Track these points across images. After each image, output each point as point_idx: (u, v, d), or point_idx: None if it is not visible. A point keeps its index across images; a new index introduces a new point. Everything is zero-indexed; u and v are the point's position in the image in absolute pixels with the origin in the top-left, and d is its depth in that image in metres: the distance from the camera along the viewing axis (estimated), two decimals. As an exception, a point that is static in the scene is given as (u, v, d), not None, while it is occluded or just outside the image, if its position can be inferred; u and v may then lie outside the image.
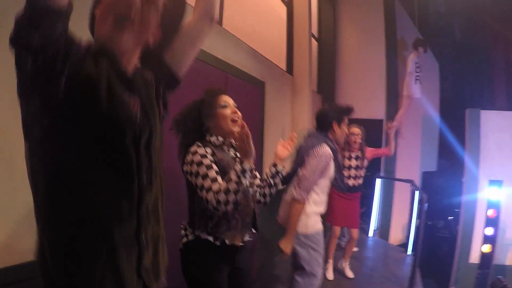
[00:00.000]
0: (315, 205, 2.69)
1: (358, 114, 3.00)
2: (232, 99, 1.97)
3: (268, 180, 2.06)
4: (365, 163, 4.33)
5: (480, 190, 6.13)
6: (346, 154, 4.20)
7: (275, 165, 2.08)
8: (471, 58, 8.21)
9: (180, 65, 1.32)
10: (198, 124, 1.89)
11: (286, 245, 2.55)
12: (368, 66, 7.10)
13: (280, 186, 2.10)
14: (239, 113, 1.92)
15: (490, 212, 5.90)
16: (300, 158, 2.66)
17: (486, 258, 5.88)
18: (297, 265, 2.72)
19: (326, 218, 4.13)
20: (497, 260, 5.84)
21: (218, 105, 1.90)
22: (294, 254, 2.68)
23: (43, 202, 0.99)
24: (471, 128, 6.34)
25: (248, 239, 1.95)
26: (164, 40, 1.22)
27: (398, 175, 6.73)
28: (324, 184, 2.66)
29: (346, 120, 2.80)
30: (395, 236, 6.69)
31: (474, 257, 6.15)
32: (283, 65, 5.57)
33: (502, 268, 5.91)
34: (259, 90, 4.36)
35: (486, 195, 5.97)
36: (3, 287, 1.50)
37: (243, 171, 1.69)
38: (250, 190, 1.92)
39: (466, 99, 6.93)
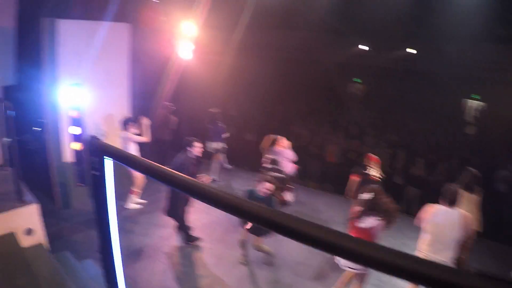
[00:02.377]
0: None
1: None
2: None
3: None
4: None
5: (62, 95, 6.57)
6: None
7: None
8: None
9: None
10: None
11: None
12: None
13: None
14: None
15: (74, 113, 6.57)
16: None
17: (78, 155, 6.69)
18: None
19: None
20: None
21: None
22: None
23: None
24: (48, 37, 6.44)
25: None
26: None
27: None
28: None
29: None
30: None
31: (68, 156, 6.83)
32: None
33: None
34: None
35: (68, 99, 6.53)
36: None
37: None
38: None
39: (43, 8, 6.73)
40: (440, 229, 4.28)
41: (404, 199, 8.77)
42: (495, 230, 7.80)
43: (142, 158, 1.30)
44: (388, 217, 4.25)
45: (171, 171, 1.15)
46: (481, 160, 9.55)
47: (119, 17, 7.63)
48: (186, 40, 8.09)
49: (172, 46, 8.29)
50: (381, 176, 6.47)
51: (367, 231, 4.28)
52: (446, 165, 8.70)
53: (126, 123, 6.88)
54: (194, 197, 1.13)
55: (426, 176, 8.44)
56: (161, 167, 1.20)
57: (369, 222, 4.26)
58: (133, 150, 6.80)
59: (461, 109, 16.46)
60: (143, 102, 8.78)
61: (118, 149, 1.45)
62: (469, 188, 5.54)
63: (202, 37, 8.53)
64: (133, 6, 8.00)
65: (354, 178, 6.44)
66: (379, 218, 4.23)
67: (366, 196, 4.44)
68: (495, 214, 8.64)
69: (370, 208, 4.25)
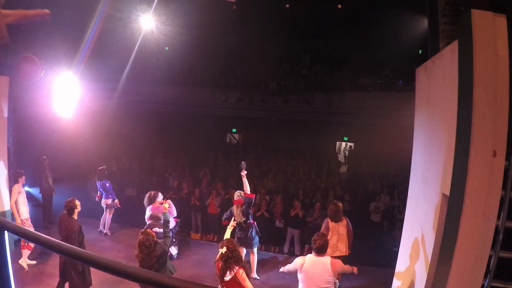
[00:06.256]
0: None
1: None
2: None
3: None
4: None
5: None
6: None
7: None
8: None
9: None
10: None
11: None
12: None
13: None
14: None
15: None
16: None
17: None
18: None
19: None
20: None
21: None
22: None
23: None
24: None
25: None
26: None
27: None
28: None
29: None
30: None
31: None
32: None
33: None
34: None
35: None
36: None
37: None
38: None
39: None
40: (311, 278, 4.48)
41: (287, 241, 9.11)
42: (374, 256, 8.59)
43: (36, 232, 1.37)
44: (241, 266, 4.58)
45: (65, 245, 1.25)
46: (351, 195, 10.52)
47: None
48: (65, 93, 7.75)
49: (53, 100, 7.89)
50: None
51: (232, 282, 4.50)
52: (321, 204, 9.29)
53: (17, 177, 7.14)
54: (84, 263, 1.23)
55: (303, 217, 8.91)
56: (52, 239, 1.27)
57: (229, 274, 4.52)
58: (21, 203, 7.04)
59: (333, 150, 18.07)
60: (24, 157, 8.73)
61: (13, 223, 1.59)
62: (336, 219, 6.31)
63: (81, 89, 8.32)
64: (11, 59, 7.55)
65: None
66: (236, 268, 4.51)
67: (220, 250, 4.65)
68: (373, 242, 9.54)
69: (225, 262, 4.52)
